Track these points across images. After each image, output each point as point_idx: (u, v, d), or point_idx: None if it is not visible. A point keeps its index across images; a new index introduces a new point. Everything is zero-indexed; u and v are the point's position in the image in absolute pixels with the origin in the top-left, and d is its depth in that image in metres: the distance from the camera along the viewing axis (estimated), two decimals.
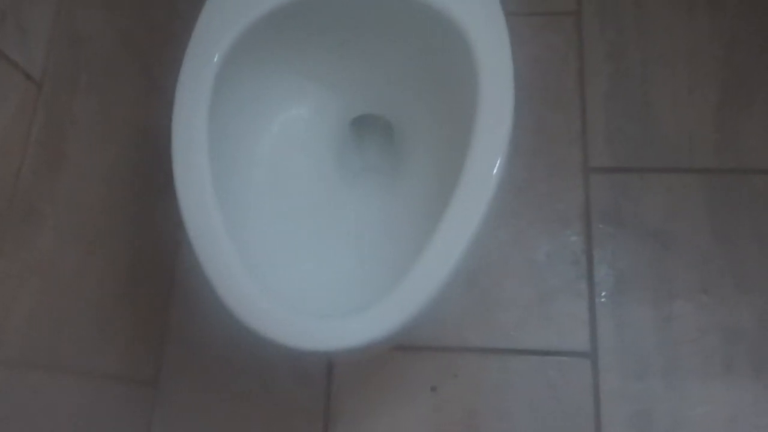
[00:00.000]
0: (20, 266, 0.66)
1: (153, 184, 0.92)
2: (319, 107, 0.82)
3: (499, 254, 0.97)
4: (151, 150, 0.91)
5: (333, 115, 0.83)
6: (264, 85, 0.76)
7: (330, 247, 0.78)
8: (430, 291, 0.59)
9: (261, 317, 0.59)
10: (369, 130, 0.87)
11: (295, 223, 0.77)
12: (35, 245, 0.68)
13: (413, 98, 0.82)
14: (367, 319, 0.59)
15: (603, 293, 0.94)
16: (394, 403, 0.93)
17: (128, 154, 0.86)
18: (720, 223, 0.95)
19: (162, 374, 0.97)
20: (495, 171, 0.62)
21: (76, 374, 0.76)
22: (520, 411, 0.91)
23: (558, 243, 0.97)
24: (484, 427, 0.90)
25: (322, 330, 0.59)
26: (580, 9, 1.07)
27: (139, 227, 0.90)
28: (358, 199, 0.83)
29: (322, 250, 0.78)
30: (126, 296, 0.87)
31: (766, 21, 1.03)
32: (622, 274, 0.95)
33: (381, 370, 0.94)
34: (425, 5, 0.69)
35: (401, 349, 0.94)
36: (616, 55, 1.04)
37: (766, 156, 0.96)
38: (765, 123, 0.98)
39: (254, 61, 0.73)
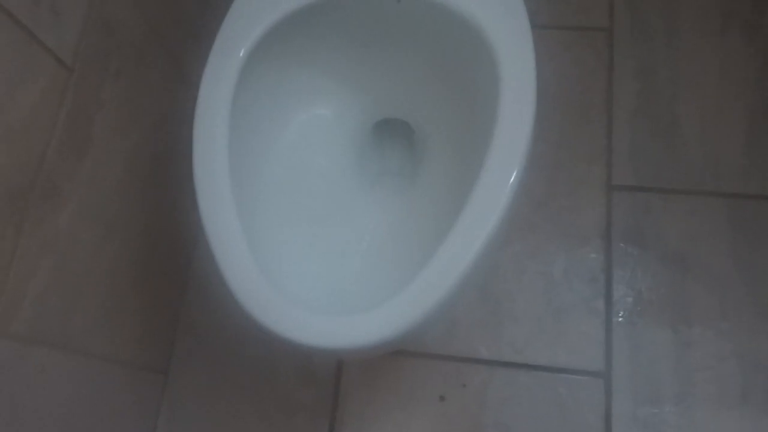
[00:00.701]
0: (38, 244, 0.67)
1: (174, 173, 0.93)
2: (341, 108, 0.82)
3: (515, 267, 0.96)
4: (174, 139, 0.92)
5: (355, 116, 0.83)
6: (287, 83, 0.77)
7: (344, 249, 0.78)
8: (440, 293, 0.59)
9: (274, 314, 0.59)
10: (390, 134, 0.87)
11: (311, 223, 0.77)
12: (54, 224, 0.69)
13: (435, 104, 0.82)
14: (378, 318, 0.59)
15: (620, 313, 0.93)
16: (402, 409, 0.92)
17: (151, 142, 0.87)
18: (742, 248, 0.93)
19: (172, 364, 0.98)
20: (510, 182, 0.61)
21: (85, 355, 0.77)
22: (527, 427, 0.89)
23: (576, 260, 0.96)
24: None
25: (334, 327, 0.59)
26: (612, 25, 1.06)
27: (158, 215, 0.91)
28: (375, 202, 0.83)
29: (336, 251, 0.78)
30: (140, 283, 0.88)
31: None
32: (641, 295, 0.93)
33: (390, 376, 0.94)
34: (452, 12, 0.69)
35: (411, 356, 0.94)
36: (646, 73, 1.03)
37: None
38: None
39: (279, 58, 0.73)
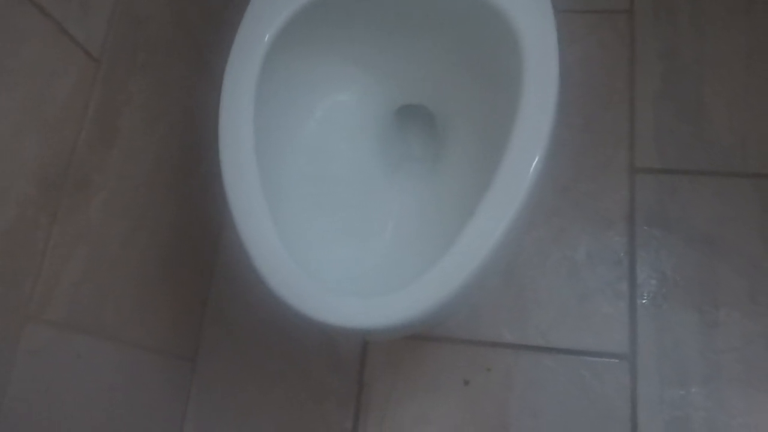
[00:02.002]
0: (72, 233, 0.69)
1: (200, 164, 0.95)
2: (364, 94, 0.83)
3: (539, 251, 0.96)
4: (200, 131, 0.94)
5: (378, 103, 0.84)
6: (311, 69, 0.78)
7: (369, 233, 0.79)
8: (464, 275, 0.59)
9: (302, 295, 0.60)
10: (413, 120, 0.88)
11: (336, 208, 0.78)
12: (86, 215, 0.71)
13: (457, 89, 0.82)
14: (404, 299, 0.60)
15: (645, 296, 0.92)
16: (427, 393, 0.93)
17: (178, 134, 0.89)
18: None
19: (200, 350, 0.99)
20: (533, 166, 0.61)
21: (117, 342, 0.79)
22: (553, 410, 0.90)
23: (600, 243, 0.96)
24: (515, 423, 0.90)
25: (361, 308, 0.60)
26: (632, 7, 1.05)
27: (185, 206, 0.93)
28: (399, 186, 0.83)
29: (361, 235, 0.78)
30: (168, 272, 0.90)
31: None
32: (666, 278, 0.93)
33: (414, 361, 0.95)
34: None
35: (435, 341, 0.95)
36: (670, 54, 1.02)
37: None
38: None
39: (303, 44, 0.74)
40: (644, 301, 0.92)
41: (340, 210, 0.79)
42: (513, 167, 0.62)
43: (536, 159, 0.62)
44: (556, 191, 0.98)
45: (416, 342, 0.95)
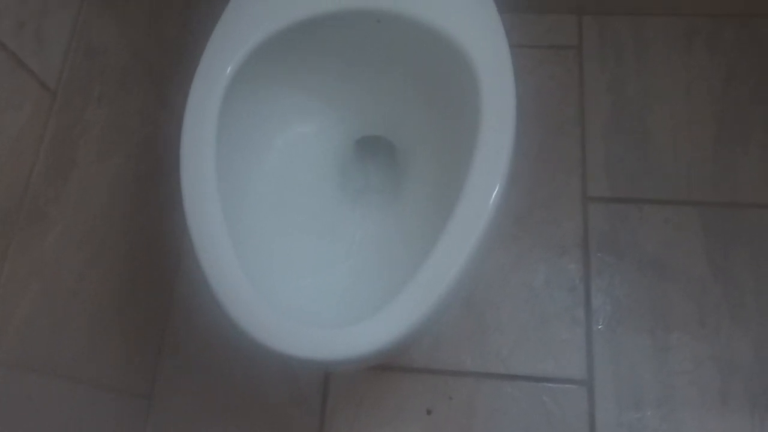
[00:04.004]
0: (24, 268, 0.66)
1: (157, 196, 0.93)
2: (324, 126, 0.84)
3: (498, 278, 0.98)
4: (157, 163, 0.92)
5: (338, 134, 0.85)
6: (272, 101, 0.78)
7: (330, 263, 0.79)
8: (426, 307, 0.60)
9: (263, 326, 0.60)
10: (373, 150, 0.89)
11: (297, 238, 0.78)
12: (40, 249, 0.69)
13: (417, 121, 0.84)
14: (366, 331, 0.59)
15: (600, 321, 0.95)
16: (389, 424, 0.92)
17: (134, 165, 0.87)
18: (717, 255, 0.96)
19: (156, 387, 0.97)
20: (493, 197, 0.63)
21: (71, 381, 0.76)
22: None
23: (556, 270, 0.98)
24: None
25: (323, 339, 0.59)
26: (580, 43, 1.10)
27: (142, 239, 0.91)
28: (360, 217, 0.84)
29: (322, 265, 0.78)
30: (124, 307, 0.87)
31: (761, 57, 1.05)
32: (620, 303, 0.95)
33: (376, 391, 0.94)
34: (431, 30, 0.71)
35: (397, 370, 0.94)
36: (616, 87, 1.06)
37: (762, 190, 0.98)
38: (760, 157, 1.00)
39: (264, 76, 0.75)
40: (600, 327, 0.94)
41: (301, 239, 0.79)
42: (473, 198, 0.63)
43: (496, 189, 0.63)
44: (512, 218, 1.01)
45: (378, 372, 0.95)
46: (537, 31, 1.11)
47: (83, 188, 0.76)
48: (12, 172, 0.64)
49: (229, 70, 0.68)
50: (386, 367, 0.95)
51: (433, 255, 0.61)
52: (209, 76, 0.69)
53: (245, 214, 0.73)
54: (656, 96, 1.05)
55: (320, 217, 0.81)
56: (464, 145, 0.67)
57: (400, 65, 0.80)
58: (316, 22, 0.72)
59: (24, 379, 0.68)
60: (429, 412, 0.92)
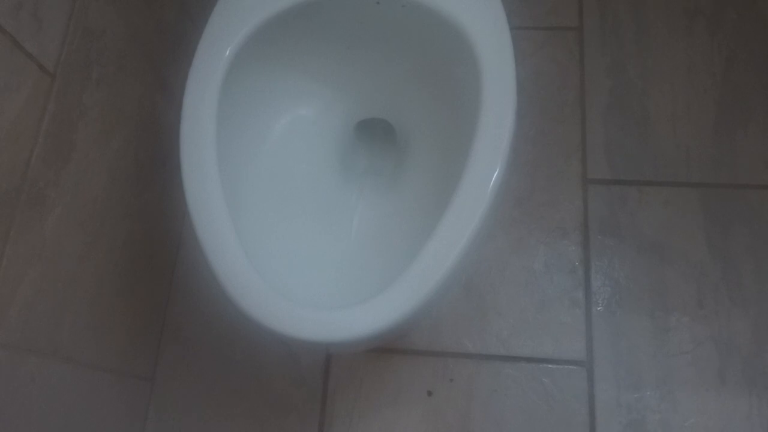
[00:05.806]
0: (25, 251, 0.66)
1: (157, 179, 0.93)
2: (325, 108, 0.84)
3: (498, 261, 0.98)
4: (156, 146, 0.92)
5: (338, 116, 0.85)
6: (272, 84, 0.78)
7: (330, 245, 0.79)
8: (426, 289, 0.60)
9: (264, 307, 0.60)
10: (373, 133, 0.89)
11: (297, 220, 0.78)
12: (40, 232, 0.69)
13: (417, 104, 0.84)
14: (366, 312, 0.60)
15: (600, 303, 0.95)
16: (390, 406, 0.93)
17: (133, 148, 0.87)
18: (716, 236, 0.96)
19: (158, 370, 0.97)
20: (493, 180, 0.63)
21: (73, 363, 0.76)
22: (515, 417, 0.91)
23: (556, 252, 0.98)
24: None
25: (323, 320, 0.60)
26: (581, 25, 1.09)
27: (142, 221, 0.91)
28: (360, 200, 0.84)
29: (322, 247, 0.79)
30: (125, 290, 0.88)
31: (763, 39, 1.05)
32: (619, 285, 0.96)
33: (377, 374, 0.95)
34: (431, 12, 0.70)
35: (398, 353, 0.95)
36: (617, 69, 1.06)
37: (762, 172, 0.98)
38: (760, 139, 1.00)
39: (264, 58, 0.74)
40: (599, 308, 0.95)
41: (301, 222, 0.79)
42: (474, 181, 0.63)
43: (496, 172, 0.63)
44: (512, 202, 1.01)
45: (379, 354, 0.95)
46: (538, 13, 1.11)
47: (83, 171, 0.76)
48: (12, 154, 0.64)
49: (228, 52, 0.68)
50: (387, 350, 0.95)
51: (434, 238, 0.61)
52: (208, 59, 0.68)
53: (245, 197, 0.73)
54: (657, 78, 1.05)
55: (320, 200, 0.81)
56: (464, 127, 0.67)
57: (399, 47, 0.79)
58: (315, 4, 0.72)
59: (26, 361, 0.68)
60: (430, 394, 0.93)
